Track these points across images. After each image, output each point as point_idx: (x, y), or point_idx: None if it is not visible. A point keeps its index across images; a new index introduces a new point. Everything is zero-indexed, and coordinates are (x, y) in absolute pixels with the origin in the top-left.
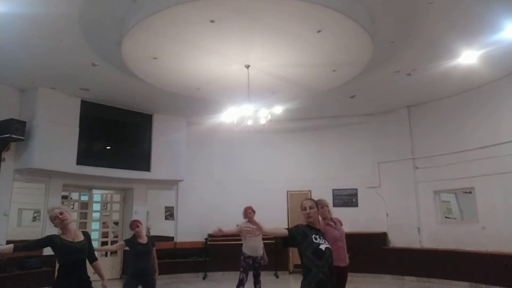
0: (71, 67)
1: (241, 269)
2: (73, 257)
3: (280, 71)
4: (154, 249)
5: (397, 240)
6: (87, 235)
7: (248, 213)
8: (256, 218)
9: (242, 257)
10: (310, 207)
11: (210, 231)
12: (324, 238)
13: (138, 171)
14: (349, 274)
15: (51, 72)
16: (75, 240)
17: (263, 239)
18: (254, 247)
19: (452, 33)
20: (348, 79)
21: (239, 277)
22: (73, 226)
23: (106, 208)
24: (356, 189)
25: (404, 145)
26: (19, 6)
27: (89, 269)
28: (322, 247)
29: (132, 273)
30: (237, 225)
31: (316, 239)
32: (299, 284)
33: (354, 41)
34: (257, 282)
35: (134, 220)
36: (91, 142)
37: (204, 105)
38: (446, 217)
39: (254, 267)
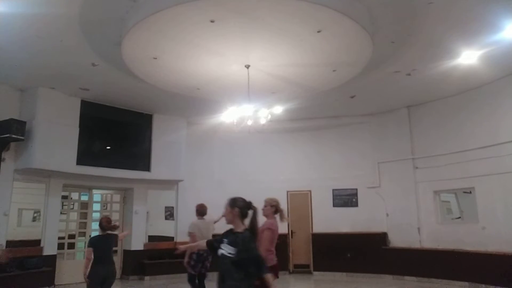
0: (71, 67)
1: None
2: None
3: (280, 71)
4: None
5: (397, 240)
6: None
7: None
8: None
9: None
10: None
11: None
12: (231, 243)
13: (138, 171)
14: (349, 274)
15: (51, 72)
16: None
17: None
18: None
19: (452, 33)
20: (348, 79)
21: None
22: None
23: (106, 208)
24: (356, 189)
25: (404, 145)
26: (19, 6)
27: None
28: (219, 252)
29: None
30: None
31: (223, 244)
32: (300, 284)
33: (354, 41)
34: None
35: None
36: (91, 142)
37: (204, 105)
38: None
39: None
